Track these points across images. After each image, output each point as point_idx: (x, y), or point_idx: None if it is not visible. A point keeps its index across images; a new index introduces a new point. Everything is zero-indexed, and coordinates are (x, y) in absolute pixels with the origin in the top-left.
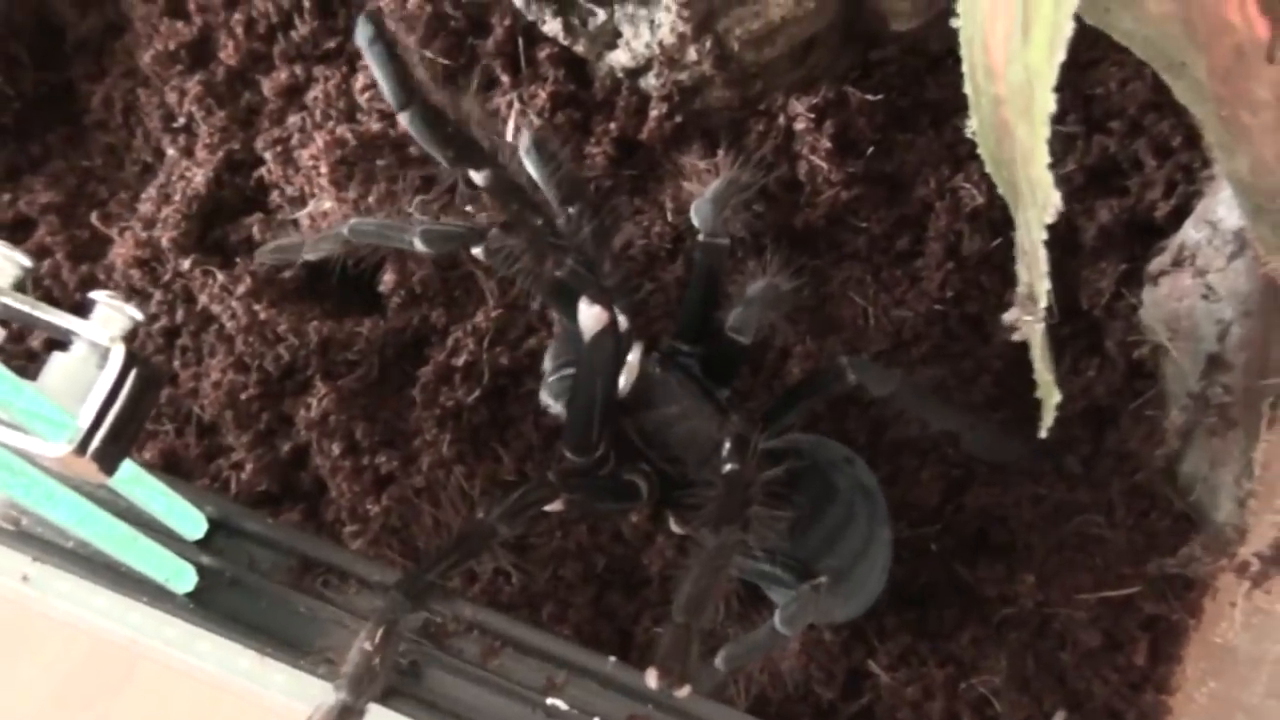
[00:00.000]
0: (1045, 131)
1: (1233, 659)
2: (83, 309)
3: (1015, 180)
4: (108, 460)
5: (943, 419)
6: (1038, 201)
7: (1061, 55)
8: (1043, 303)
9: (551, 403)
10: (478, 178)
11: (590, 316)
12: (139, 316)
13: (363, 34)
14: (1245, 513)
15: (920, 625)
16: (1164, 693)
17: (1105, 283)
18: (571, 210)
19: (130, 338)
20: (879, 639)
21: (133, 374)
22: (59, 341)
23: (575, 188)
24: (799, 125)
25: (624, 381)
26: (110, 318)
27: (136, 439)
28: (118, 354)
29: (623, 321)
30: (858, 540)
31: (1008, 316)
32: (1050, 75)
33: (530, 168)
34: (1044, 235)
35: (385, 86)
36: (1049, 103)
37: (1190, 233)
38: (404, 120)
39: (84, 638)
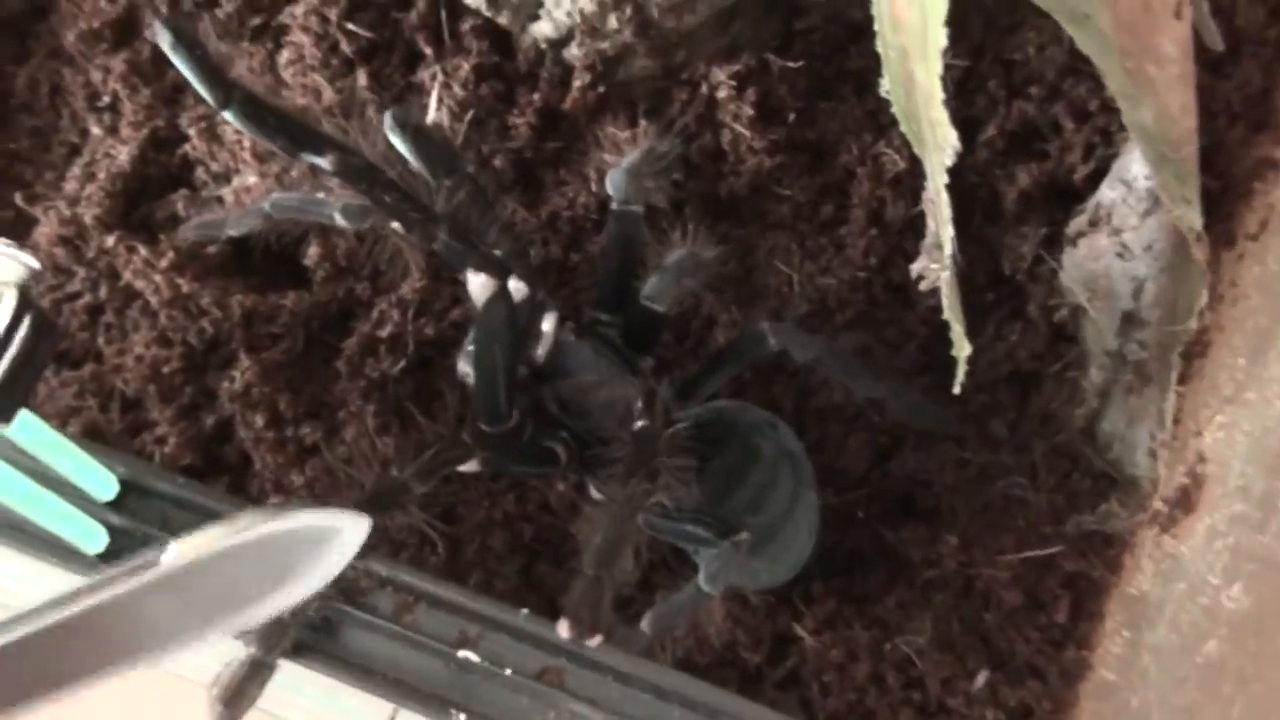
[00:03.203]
0: (938, 67)
1: (1143, 606)
2: None
3: (920, 130)
4: (2, 410)
5: (867, 385)
6: (938, 144)
7: None
8: (948, 250)
9: (469, 371)
10: (323, 163)
11: (477, 285)
12: (35, 265)
13: (164, 39)
14: (1158, 465)
15: (847, 590)
16: (1085, 649)
17: (1026, 247)
18: (447, 182)
19: (25, 286)
20: (805, 604)
21: (26, 320)
22: None
23: (443, 160)
24: (721, 94)
25: (540, 350)
26: (3, 265)
27: (33, 389)
28: (9, 300)
29: (520, 288)
30: (782, 502)
31: (916, 266)
32: (941, 9)
33: (398, 145)
34: (945, 179)
35: (199, 88)
36: (940, 37)
37: (1106, 192)
38: (229, 118)
39: None
